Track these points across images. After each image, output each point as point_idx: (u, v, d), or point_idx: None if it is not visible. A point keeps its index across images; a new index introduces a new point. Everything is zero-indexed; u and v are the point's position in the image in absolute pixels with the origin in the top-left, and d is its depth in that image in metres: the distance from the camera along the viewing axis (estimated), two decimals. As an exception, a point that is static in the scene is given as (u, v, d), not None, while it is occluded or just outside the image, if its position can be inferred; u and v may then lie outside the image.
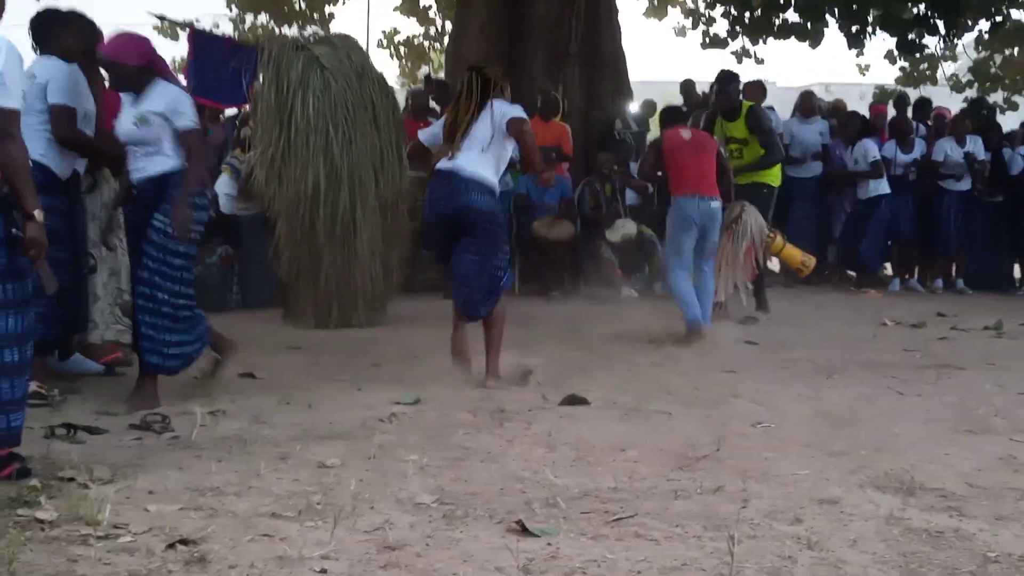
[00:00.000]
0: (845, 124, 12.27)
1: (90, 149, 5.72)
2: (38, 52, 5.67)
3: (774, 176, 8.81)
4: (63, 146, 5.50)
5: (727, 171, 8.06)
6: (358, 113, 8.07)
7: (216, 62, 8.81)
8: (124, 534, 3.04)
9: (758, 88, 11.57)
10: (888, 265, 12.59)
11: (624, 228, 10.48)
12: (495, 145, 5.96)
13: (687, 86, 12.80)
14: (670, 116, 8.35)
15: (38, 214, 3.64)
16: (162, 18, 9.87)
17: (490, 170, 5.95)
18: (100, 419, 4.68)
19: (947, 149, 11.87)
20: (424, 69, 22.66)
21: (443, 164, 5.95)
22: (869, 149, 11.55)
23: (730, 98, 8.71)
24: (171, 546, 2.93)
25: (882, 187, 11.52)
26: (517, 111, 6.08)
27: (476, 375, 5.80)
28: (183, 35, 11.79)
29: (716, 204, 7.72)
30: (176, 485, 3.59)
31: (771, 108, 12.29)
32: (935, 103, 13.50)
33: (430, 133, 6.31)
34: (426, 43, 22.03)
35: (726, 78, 8.80)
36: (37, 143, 5.40)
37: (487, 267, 5.89)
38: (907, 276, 12.36)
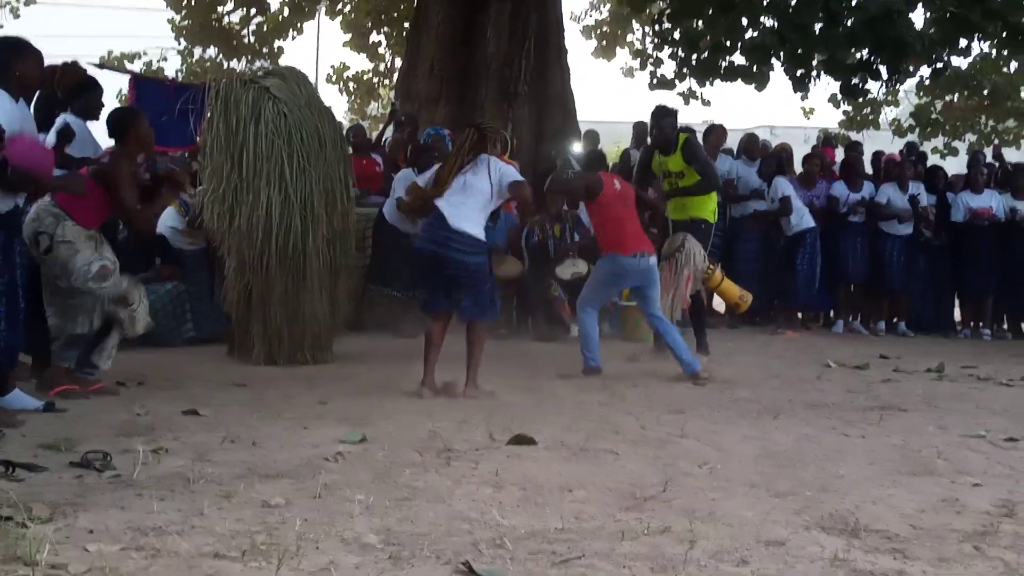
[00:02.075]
0: (764, 162, 12.41)
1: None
2: None
3: (711, 212, 8.91)
4: None
5: (645, 202, 8.27)
6: (310, 141, 8.07)
7: (160, 106, 8.81)
8: (63, 575, 2.98)
9: (721, 132, 11.74)
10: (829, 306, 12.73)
11: (575, 267, 10.51)
12: (492, 200, 6.70)
13: (639, 128, 12.90)
14: (596, 162, 8.47)
15: None
16: (101, 66, 9.83)
17: (479, 226, 6.63)
18: (40, 456, 4.59)
19: (890, 193, 12.06)
20: (373, 105, 22.70)
21: (440, 205, 6.59)
22: (779, 186, 11.69)
23: (664, 133, 8.79)
24: (111, 587, 2.88)
25: (805, 222, 11.64)
26: (516, 174, 6.90)
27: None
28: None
29: (653, 259, 7.91)
30: (117, 524, 3.53)
31: (730, 151, 12.47)
32: (876, 147, 13.76)
33: (427, 179, 6.86)
34: (375, 79, 22.07)
35: (661, 112, 8.89)
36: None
37: (473, 297, 6.69)
38: (851, 318, 12.51)
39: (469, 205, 6.63)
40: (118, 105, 9.54)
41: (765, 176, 12.00)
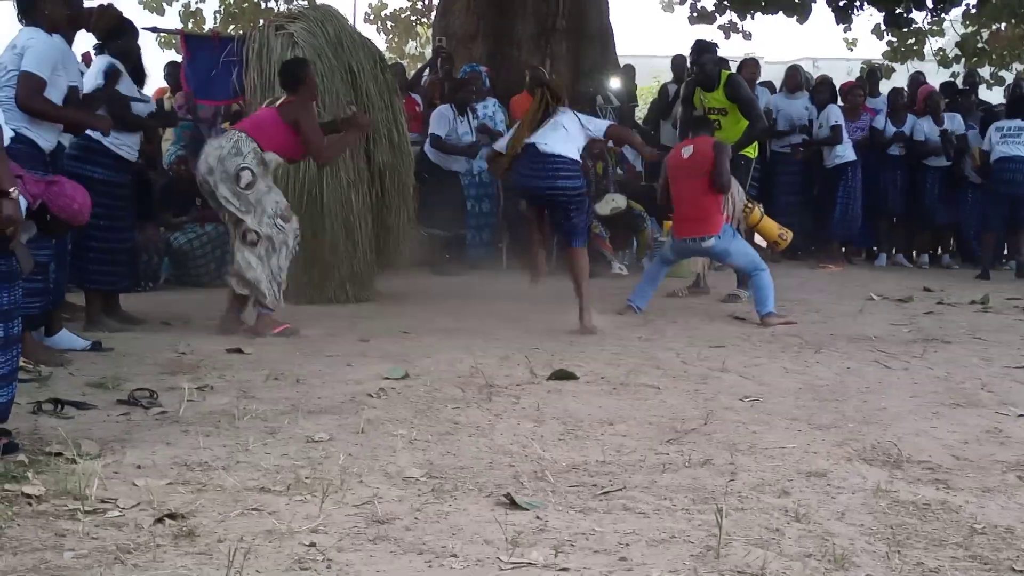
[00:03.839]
0: (815, 90, 12.21)
1: (55, 118, 5.65)
2: (23, 23, 5.63)
3: (751, 147, 8.76)
4: (25, 113, 5.44)
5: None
6: (329, 84, 8.00)
7: (208, 61, 8.83)
8: (112, 509, 3.04)
9: (754, 65, 11.56)
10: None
11: (614, 201, 10.45)
12: (580, 133, 6.94)
13: (678, 61, 12.71)
14: (693, 124, 8.26)
15: (13, 191, 3.57)
16: (155, 30, 9.85)
17: (573, 151, 6.85)
18: (88, 394, 4.66)
19: (925, 129, 11.87)
20: (411, 44, 22.57)
21: (530, 140, 6.85)
22: (832, 113, 11.49)
23: (705, 69, 8.62)
24: (159, 520, 2.93)
25: (848, 154, 11.46)
26: (604, 123, 7.46)
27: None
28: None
29: (709, 243, 7.60)
30: (164, 460, 3.58)
31: (766, 84, 12.29)
32: (925, 78, 13.52)
33: (502, 145, 7.22)
34: (413, 17, 21.91)
35: (701, 48, 8.71)
36: (21, 115, 5.40)
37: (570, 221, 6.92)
38: (894, 250, 12.39)
39: (559, 135, 6.84)
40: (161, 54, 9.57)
41: (819, 104, 11.81)
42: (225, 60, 8.66)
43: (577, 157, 6.90)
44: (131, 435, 3.95)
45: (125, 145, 6.75)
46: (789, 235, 8.75)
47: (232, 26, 17.95)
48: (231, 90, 8.96)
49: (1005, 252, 12.12)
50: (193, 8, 19.32)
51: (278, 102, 6.78)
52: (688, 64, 9.02)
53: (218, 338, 6.25)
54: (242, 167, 6.42)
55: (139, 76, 7.03)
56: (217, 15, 19.23)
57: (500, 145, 7.30)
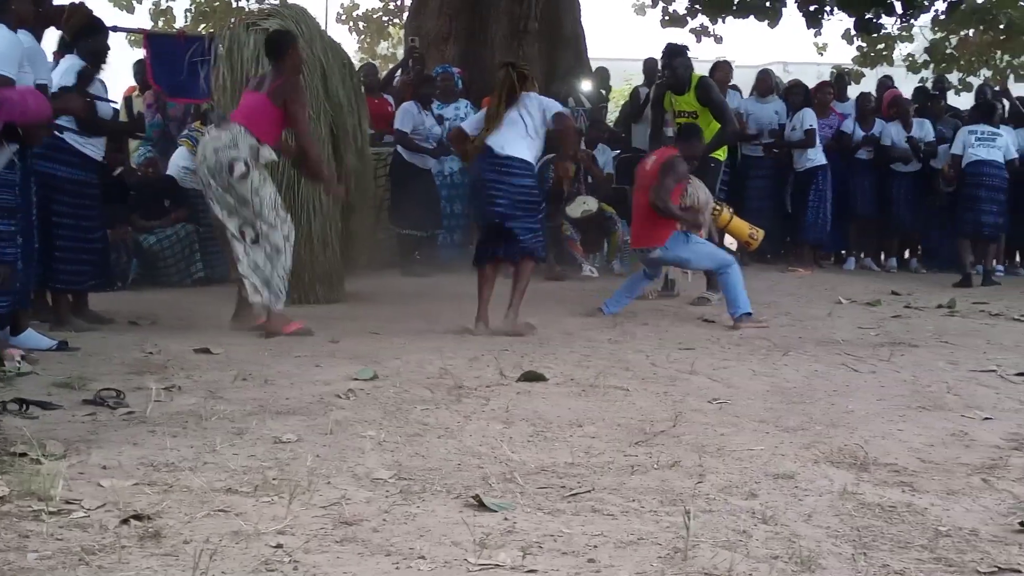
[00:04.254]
0: (789, 93, 12.27)
1: None
2: None
3: (720, 150, 8.79)
4: None
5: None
6: (309, 82, 7.99)
7: (174, 60, 8.79)
8: (77, 510, 3.01)
9: (726, 68, 11.61)
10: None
11: (585, 204, 10.46)
12: (538, 129, 6.85)
13: (650, 64, 12.75)
14: (683, 132, 8.16)
15: None
16: (116, 29, 9.79)
17: (527, 152, 6.82)
18: (53, 394, 4.63)
19: (893, 134, 11.95)
20: (383, 44, 22.53)
21: (488, 139, 6.82)
22: (806, 117, 11.55)
23: (676, 72, 8.67)
24: (125, 522, 2.90)
25: (818, 158, 11.53)
26: (560, 106, 7.14)
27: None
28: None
29: (655, 255, 7.71)
30: (130, 460, 3.56)
31: (734, 88, 12.33)
32: (892, 82, 13.61)
33: (473, 122, 7.16)
34: (385, 18, 21.87)
35: (673, 52, 8.76)
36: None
37: (523, 227, 6.81)
38: (862, 254, 12.47)
39: (515, 132, 6.81)
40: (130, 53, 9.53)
41: (792, 107, 11.87)
42: (192, 60, 8.63)
43: (532, 158, 6.90)
44: (97, 435, 3.92)
45: (91, 144, 6.71)
46: (760, 234, 8.79)
47: (203, 25, 17.85)
48: (201, 89, 8.93)
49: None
50: (164, 6, 19.20)
51: (265, 84, 6.72)
52: (659, 67, 9.05)
53: (185, 338, 6.21)
54: (235, 158, 6.40)
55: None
56: (188, 13, 19.12)
57: (468, 125, 7.23)
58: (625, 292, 7.89)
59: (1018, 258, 12.72)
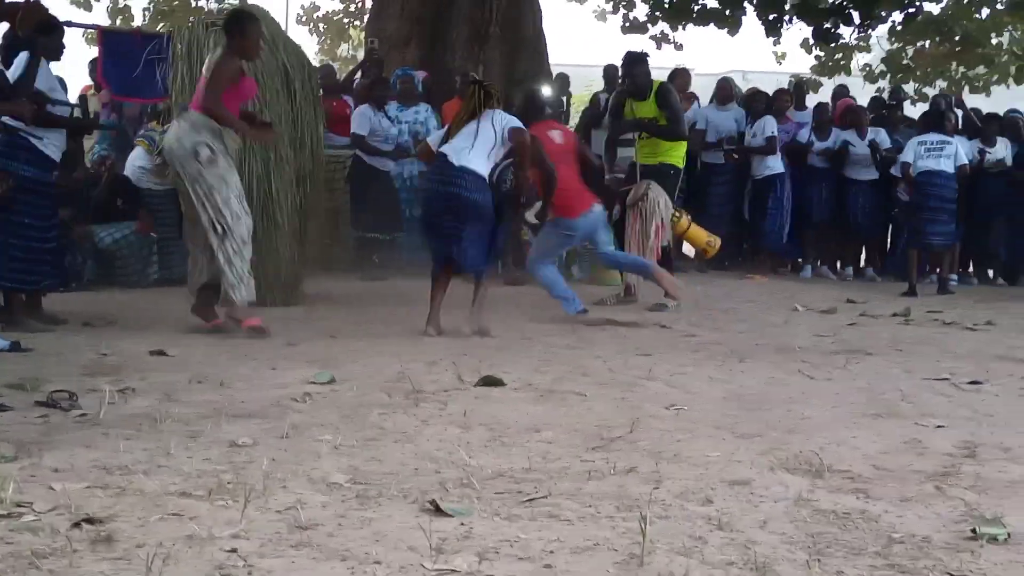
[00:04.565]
0: (751, 100, 12.35)
1: None
2: None
3: (680, 157, 8.84)
4: None
5: (590, 162, 8.27)
6: (268, 83, 7.96)
7: (128, 58, 8.70)
8: (28, 513, 2.97)
9: (686, 75, 11.69)
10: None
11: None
12: (496, 145, 6.93)
13: (610, 71, 12.79)
14: (534, 109, 8.29)
15: None
16: (69, 23, 9.67)
17: (483, 166, 6.87)
18: (5, 396, 4.57)
19: (848, 140, 12.06)
20: (343, 46, 22.48)
21: (445, 149, 6.89)
22: (767, 124, 11.64)
23: (636, 80, 8.71)
24: (76, 525, 2.87)
25: (777, 166, 11.62)
26: (518, 122, 7.12)
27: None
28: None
29: (598, 209, 7.94)
30: (83, 463, 3.52)
31: (692, 95, 12.41)
32: (849, 93, 13.74)
33: (437, 139, 7.19)
34: (346, 20, 21.83)
35: (633, 59, 8.81)
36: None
37: (472, 239, 6.88)
38: (819, 262, 12.57)
39: (474, 147, 6.87)
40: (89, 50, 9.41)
41: (754, 114, 11.95)
42: (149, 57, 8.55)
43: (485, 172, 6.93)
44: (49, 437, 3.87)
45: (51, 144, 6.63)
46: (717, 241, 8.85)
47: (161, 24, 17.73)
48: (157, 88, 8.85)
49: (927, 267, 12.36)
50: (122, 5, 19.05)
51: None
52: (619, 75, 9.09)
53: (140, 340, 6.16)
54: (197, 143, 6.36)
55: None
56: (146, 12, 18.99)
57: (433, 140, 7.29)
58: (559, 289, 7.94)
59: (971, 267, 12.87)
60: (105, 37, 9.41)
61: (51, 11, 6.98)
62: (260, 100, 7.82)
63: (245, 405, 4.54)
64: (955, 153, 10.79)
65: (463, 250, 6.88)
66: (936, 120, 11.28)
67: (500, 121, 7.00)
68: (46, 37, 6.69)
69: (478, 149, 6.87)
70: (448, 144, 6.92)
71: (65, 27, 7.39)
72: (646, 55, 8.88)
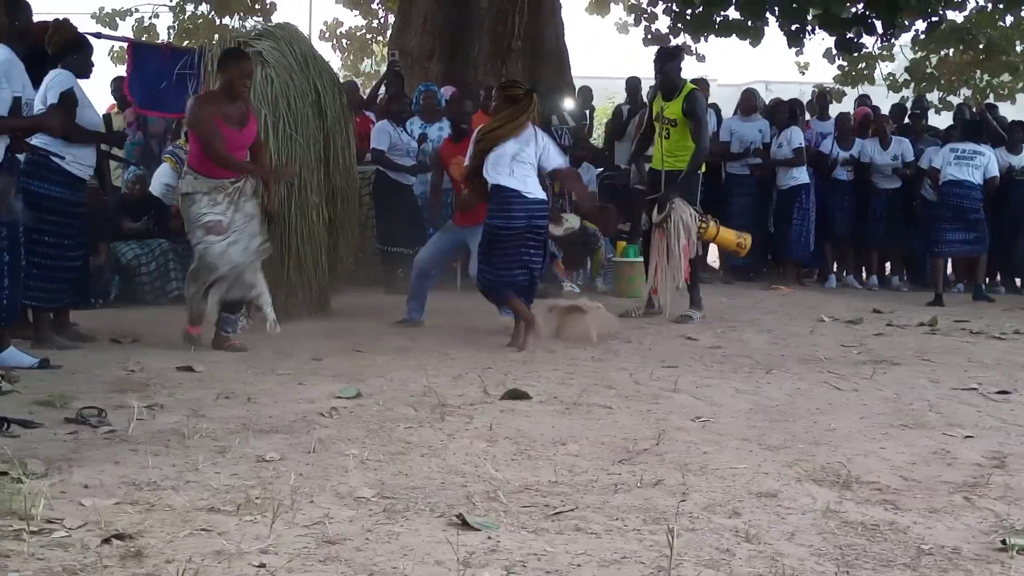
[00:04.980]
0: (776, 111, 12.32)
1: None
2: None
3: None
4: None
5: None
6: (300, 105, 7.99)
7: (157, 72, 8.74)
8: (58, 529, 3.00)
9: (704, 86, 11.64)
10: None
11: (567, 221, 10.47)
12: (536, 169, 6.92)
13: (632, 83, 12.80)
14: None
15: None
16: (98, 35, 9.74)
17: (541, 190, 7.00)
18: (35, 412, 4.60)
19: (870, 151, 12.01)
20: (366, 62, 22.58)
21: (506, 183, 6.80)
22: (794, 135, 11.61)
23: (668, 76, 8.55)
24: (106, 541, 2.89)
25: (802, 176, 11.58)
26: (559, 156, 7.25)
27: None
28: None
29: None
30: (112, 479, 3.54)
31: (712, 106, 12.38)
32: (873, 102, 13.69)
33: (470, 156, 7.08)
34: (368, 36, 21.93)
35: (666, 55, 8.64)
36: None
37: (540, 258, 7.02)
38: (844, 272, 12.52)
39: (529, 174, 6.89)
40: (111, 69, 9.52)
41: (779, 125, 11.92)
42: (180, 72, 8.58)
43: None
44: (79, 454, 3.90)
45: (77, 163, 6.68)
46: (748, 239, 8.74)
47: (186, 42, 17.88)
48: (182, 103, 8.90)
49: (952, 276, 12.29)
50: (147, 23, 19.22)
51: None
52: (654, 71, 8.92)
53: (167, 356, 6.20)
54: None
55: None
56: (171, 31, 19.14)
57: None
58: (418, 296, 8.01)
59: (998, 276, 12.78)
60: (134, 50, 9.46)
61: (79, 30, 7.04)
62: (290, 126, 7.86)
63: (272, 420, 4.56)
64: (986, 165, 10.75)
65: (535, 280, 7.07)
66: (973, 129, 11.24)
67: (541, 146, 6.95)
68: (75, 55, 6.74)
69: (532, 173, 6.89)
70: (504, 178, 6.81)
71: (95, 38, 7.46)
72: (679, 49, 8.74)
